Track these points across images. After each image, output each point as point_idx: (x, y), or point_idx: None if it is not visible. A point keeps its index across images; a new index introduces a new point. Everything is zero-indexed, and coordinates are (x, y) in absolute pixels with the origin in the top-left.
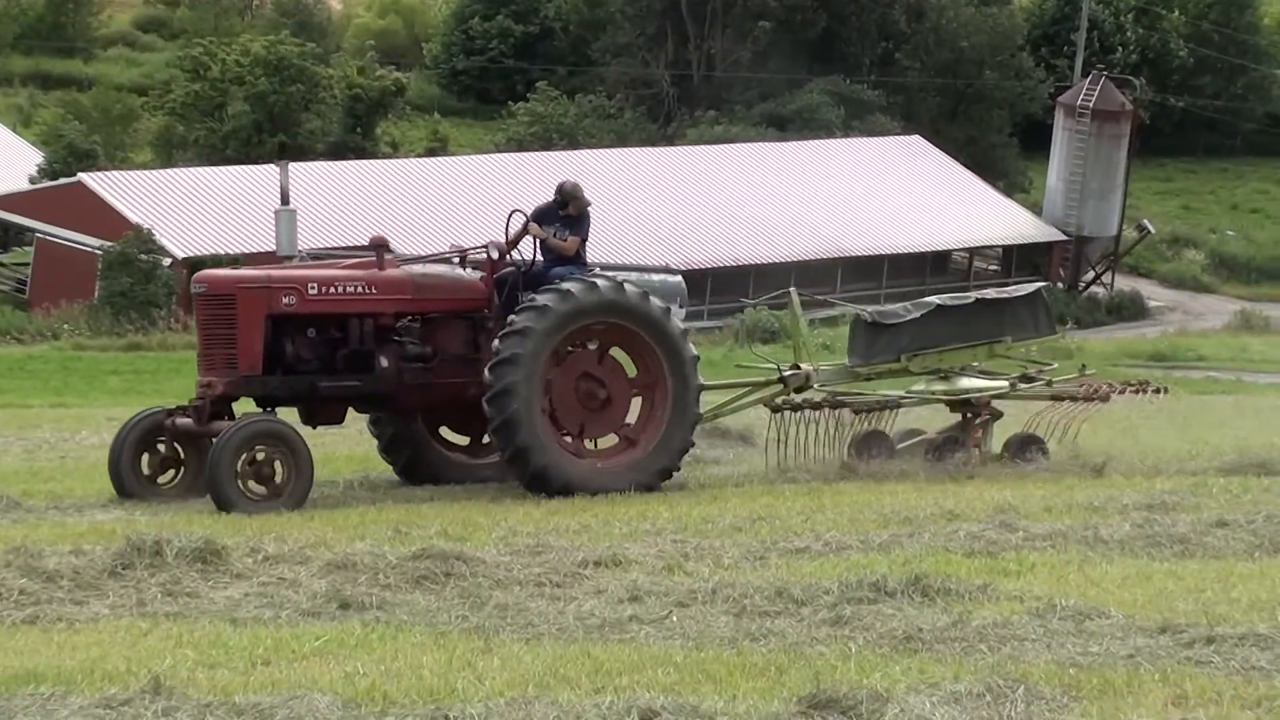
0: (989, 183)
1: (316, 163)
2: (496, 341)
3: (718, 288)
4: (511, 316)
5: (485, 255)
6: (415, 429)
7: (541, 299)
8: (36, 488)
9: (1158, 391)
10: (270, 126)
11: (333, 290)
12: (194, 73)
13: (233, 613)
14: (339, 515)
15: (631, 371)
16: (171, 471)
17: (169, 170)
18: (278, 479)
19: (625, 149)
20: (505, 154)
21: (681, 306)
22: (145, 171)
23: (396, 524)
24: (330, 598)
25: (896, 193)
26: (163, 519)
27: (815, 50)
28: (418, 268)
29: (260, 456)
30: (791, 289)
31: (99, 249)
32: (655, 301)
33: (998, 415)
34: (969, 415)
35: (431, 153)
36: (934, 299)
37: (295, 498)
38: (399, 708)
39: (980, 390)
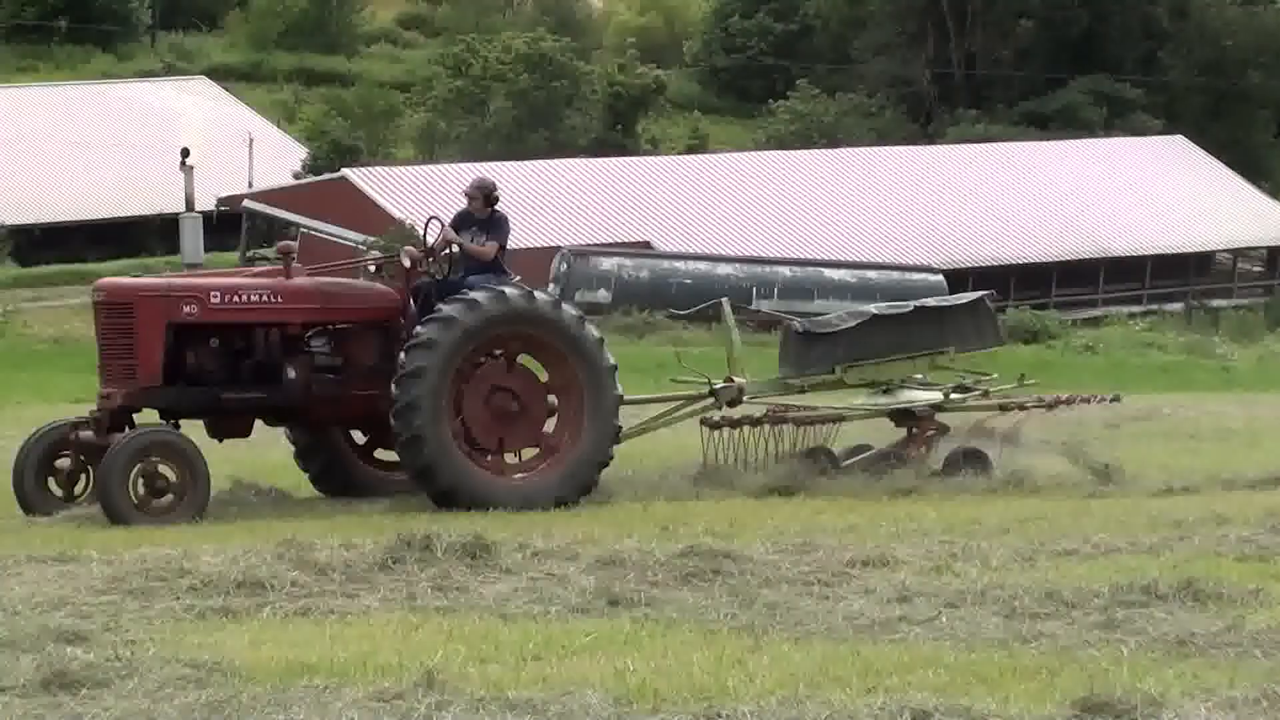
0: (1253, 184)
1: (577, 159)
2: (402, 355)
3: (979, 287)
4: (417, 328)
5: (398, 263)
6: (332, 438)
7: (448, 309)
8: (306, 481)
9: (1116, 400)
10: (531, 123)
11: (236, 299)
12: (456, 69)
13: (502, 608)
14: (606, 512)
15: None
16: (82, 483)
17: (431, 166)
18: (172, 491)
19: (885, 147)
20: (765, 152)
21: None
22: (408, 167)
23: (664, 521)
24: (599, 594)
25: (1159, 193)
26: (432, 514)
27: (1077, 48)
28: (327, 277)
29: (153, 468)
30: (723, 300)
31: (362, 244)
32: (568, 309)
33: (943, 429)
34: (913, 429)
35: (691, 150)
36: (870, 307)
37: (191, 509)
38: (670, 705)
39: (919, 401)
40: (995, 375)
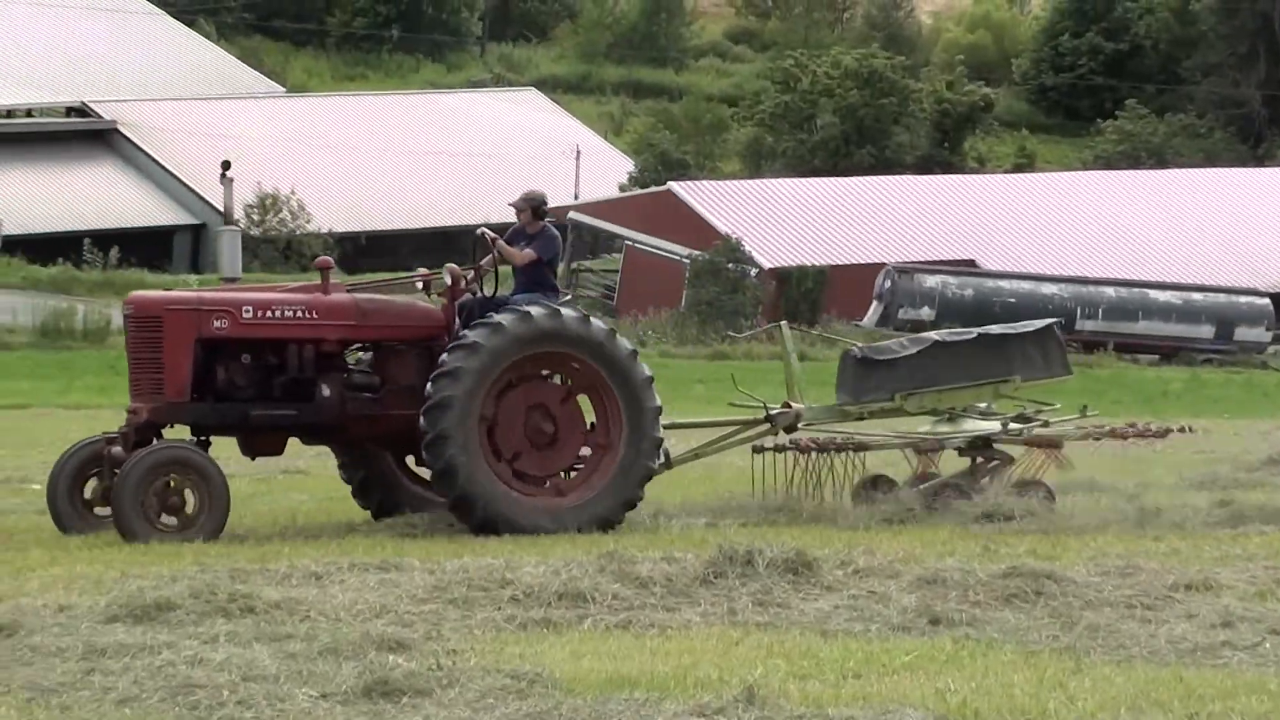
0: None
1: (903, 176)
2: (429, 384)
3: None
4: (443, 356)
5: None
6: (384, 465)
7: (472, 335)
8: None
9: (1181, 431)
10: (859, 139)
11: (269, 314)
12: (784, 84)
13: (823, 624)
14: (928, 531)
15: (585, 405)
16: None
17: (757, 180)
18: (189, 509)
19: (1214, 169)
20: (1092, 172)
21: (1269, 330)
22: (734, 181)
23: (985, 541)
24: (920, 613)
25: None
26: (753, 530)
27: None
28: (365, 293)
29: (169, 485)
30: (782, 323)
31: (687, 257)
32: (597, 324)
33: (1008, 460)
34: (978, 459)
35: (1018, 169)
36: (932, 334)
37: (208, 529)
38: None
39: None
40: (1058, 405)
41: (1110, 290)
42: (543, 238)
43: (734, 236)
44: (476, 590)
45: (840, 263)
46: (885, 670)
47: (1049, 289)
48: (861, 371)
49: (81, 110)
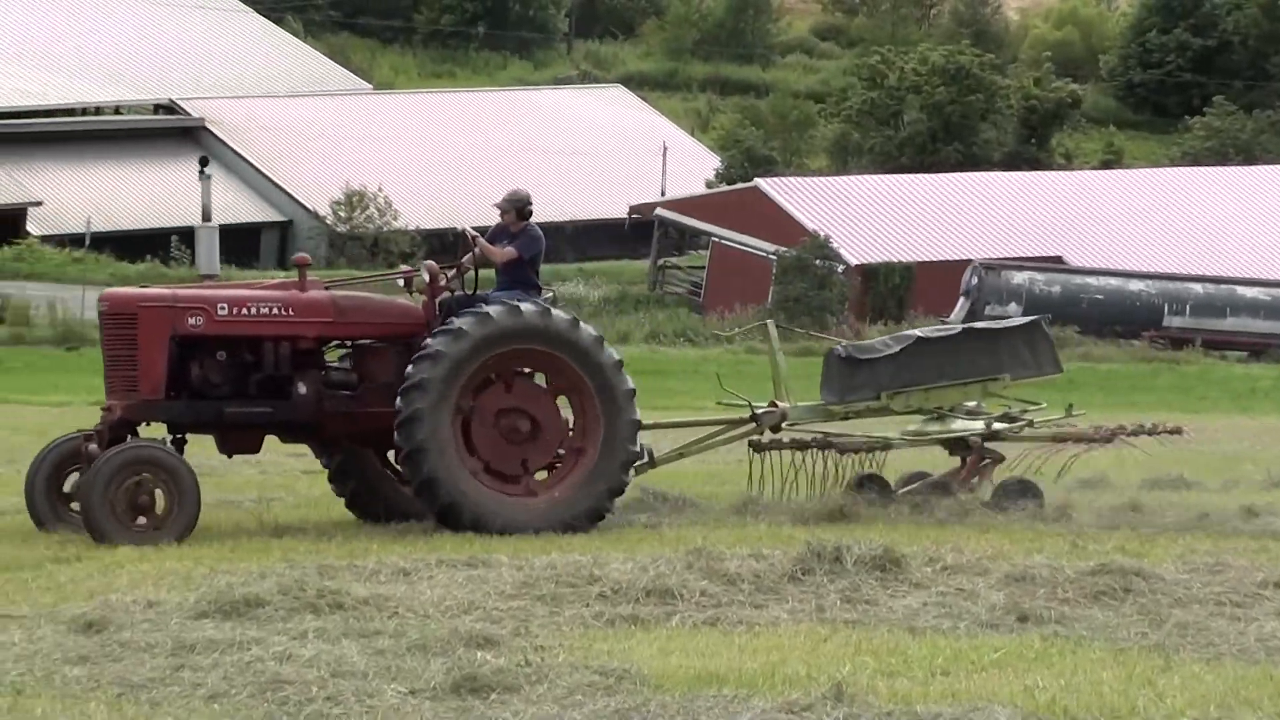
0: None
1: (990, 173)
2: (410, 367)
3: None
4: (427, 340)
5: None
6: (371, 471)
7: (459, 322)
8: (716, 490)
9: (1172, 433)
10: (945, 136)
11: (244, 311)
12: (871, 80)
13: (911, 621)
14: (1015, 528)
15: (562, 401)
16: None
17: (843, 177)
18: (158, 508)
19: None
20: (1180, 168)
21: None
22: (820, 178)
23: (1074, 538)
24: (1008, 610)
25: None
26: (841, 526)
27: None
28: (343, 291)
29: (138, 484)
30: (768, 321)
31: (773, 254)
32: (586, 329)
33: (998, 458)
34: (967, 458)
35: (1105, 166)
36: (915, 331)
37: (178, 528)
38: None
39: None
40: (1044, 404)
41: (1198, 287)
42: (525, 236)
43: (821, 233)
44: (564, 587)
45: (927, 259)
46: (974, 667)
47: (1136, 285)
48: (846, 370)
49: (169, 107)
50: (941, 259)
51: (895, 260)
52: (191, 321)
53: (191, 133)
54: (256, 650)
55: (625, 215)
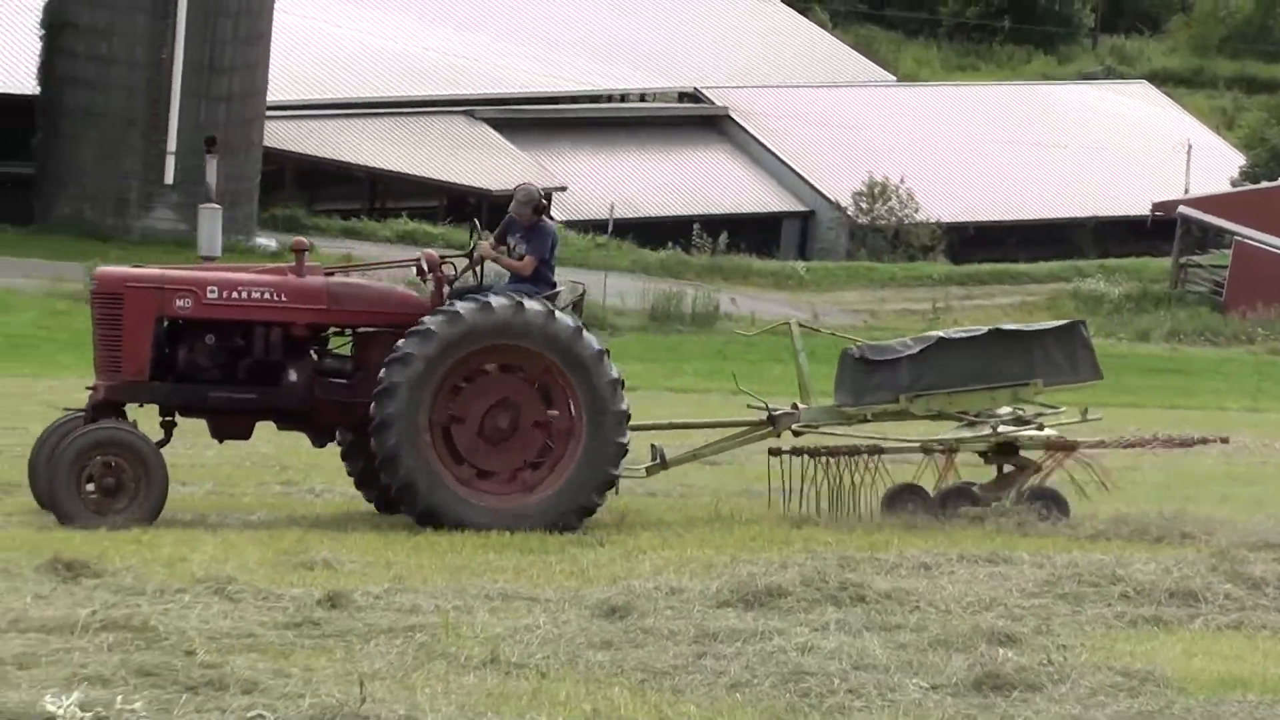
0: None
1: None
2: (383, 370)
3: None
4: (399, 342)
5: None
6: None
7: (428, 322)
8: (1236, 491)
9: (1204, 442)
10: None
11: (235, 295)
12: None
13: None
14: None
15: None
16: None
17: None
18: (124, 490)
19: None
20: None
21: None
22: None
23: None
24: None
25: None
26: None
27: None
28: (340, 278)
29: (103, 466)
30: (791, 320)
31: None
32: (563, 319)
33: (1033, 466)
34: (1003, 466)
35: None
36: (937, 333)
37: (144, 511)
38: None
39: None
40: (1063, 409)
41: None
42: (536, 233)
43: None
44: (1086, 586)
45: None
46: None
47: None
48: (862, 371)
49: (694, 96)
50: None
51: None
52: (179, 303)
53: (715, 121)
54: (778, 640)
55: (1148, 212)
